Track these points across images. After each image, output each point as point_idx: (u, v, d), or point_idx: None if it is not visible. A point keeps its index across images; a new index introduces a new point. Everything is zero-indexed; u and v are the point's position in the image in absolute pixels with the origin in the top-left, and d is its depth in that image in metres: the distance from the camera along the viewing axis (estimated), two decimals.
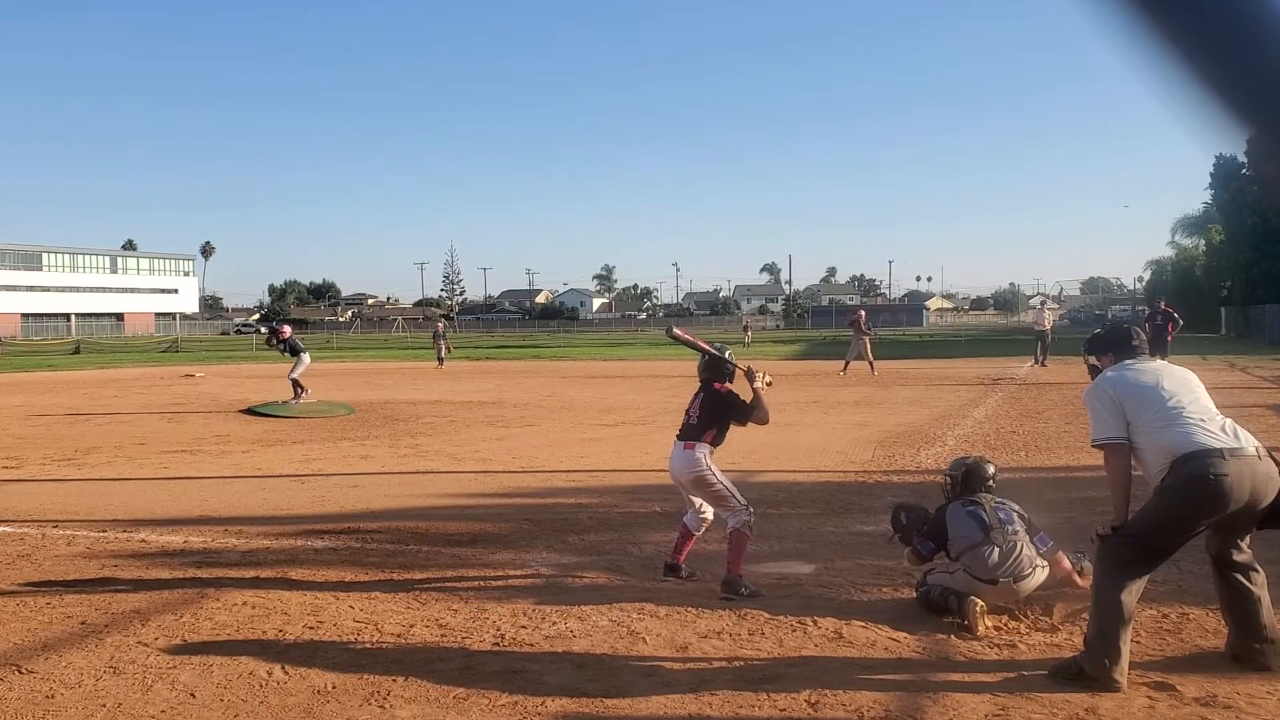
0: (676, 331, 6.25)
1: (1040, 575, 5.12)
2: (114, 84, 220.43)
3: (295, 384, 17.86)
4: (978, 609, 4.82)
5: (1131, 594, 4.12)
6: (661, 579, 5.88)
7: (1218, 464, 3.98)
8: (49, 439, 14.13)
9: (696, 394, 6.02)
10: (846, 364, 25.16)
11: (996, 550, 5.06)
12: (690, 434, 5.86)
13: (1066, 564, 5.27)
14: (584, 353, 44.74)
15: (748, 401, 5.86)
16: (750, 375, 5.88)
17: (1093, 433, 4.40)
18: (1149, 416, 4.23)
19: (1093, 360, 4.76)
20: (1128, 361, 4.52)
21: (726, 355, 6.04)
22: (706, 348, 6.05)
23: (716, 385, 5.95)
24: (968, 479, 5.51)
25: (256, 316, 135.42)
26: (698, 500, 5.91)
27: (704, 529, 5.99)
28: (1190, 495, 4.02)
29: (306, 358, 18.34)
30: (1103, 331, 4.89)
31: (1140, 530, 4.13)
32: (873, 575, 5.89)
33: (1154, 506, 4.14)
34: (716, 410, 5.88)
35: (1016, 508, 5.36)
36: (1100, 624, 4.10)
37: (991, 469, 5.58)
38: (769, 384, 5.99)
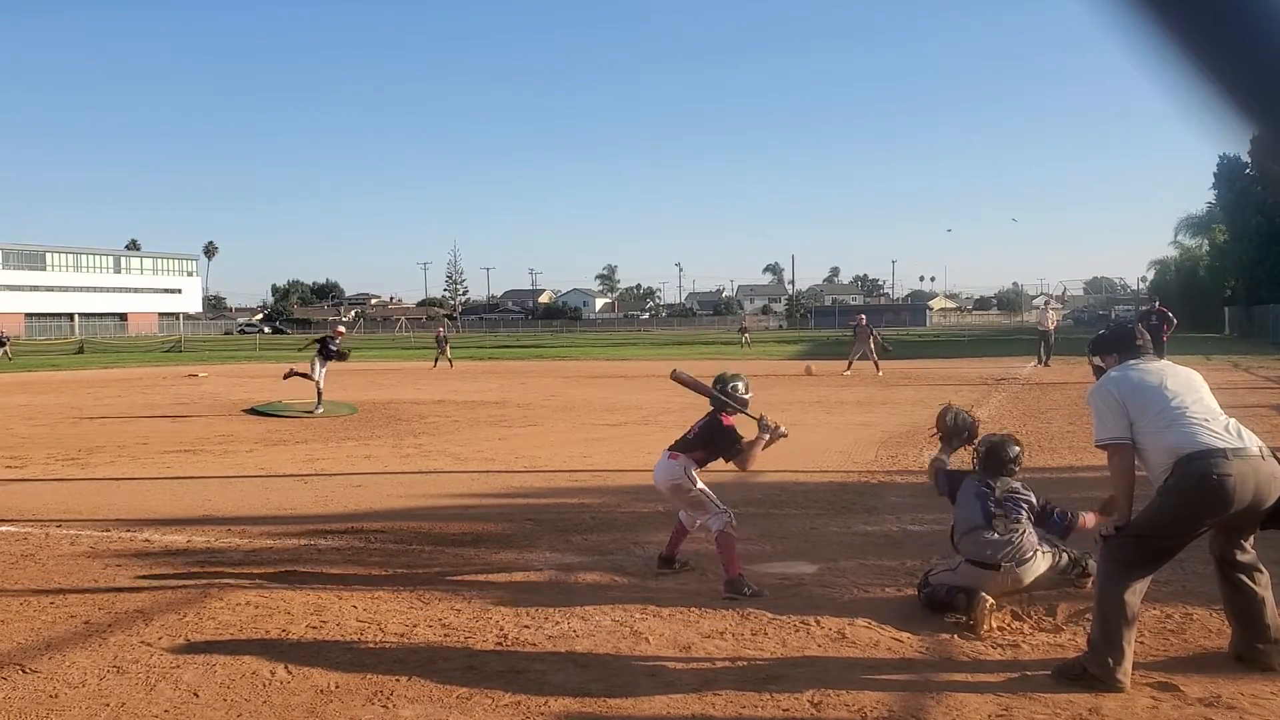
0: (679, 374, 6.21)
1: (1041, 562, 5.15)
2: (117, 83, 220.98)
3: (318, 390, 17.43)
4: (987, 606, 4.82)
5: (1135, 594, 4.11)
6: (665, 580, 5.87)
7: (1221, 464, 3.97)
8: (52, 439, 14.15)
9: (705, 415, 6.07)
10: (850, 363, 25.26)
11: (995, 535, 5.11)
12: (681, 446, 5.98)
13: (1089, 520, 5.23)
14: (587, 353, 44.74)
15: (743, 442, 5.86)
16: (762, 426, 5.83)
17: (1096, 433, 4.39)
18: (1152, 416, 4.22)
19: (1097, 361, 4.74)
20: (1132, 361, 4.51)
21: (743, 394, 5.99)
22: (710, 391, 6.04)
23: (723, 416, 5.97)
24: (988, 458, 5.50)
25: (260, 316, 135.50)
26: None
27: (697, 526, 5.96)
28: (1193, 495, 4.01)
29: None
30: (1106, 332, 4.88)
31: (1144, 530, 4.13)
32: (876, 575, 5.89)
33: (1157, 506, 4.14)
34: (712, 438, 5.93)
35: (1028, 498, 5.35)
36: (1104, 624, 4.10)
37: (1014, 450, 5.51)
38: (783, 436, 5.92)
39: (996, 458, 5.47)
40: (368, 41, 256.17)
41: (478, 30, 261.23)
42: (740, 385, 6.03)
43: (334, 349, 17.55)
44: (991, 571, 5.03)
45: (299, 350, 17.78)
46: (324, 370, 17.23)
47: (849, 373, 24.52)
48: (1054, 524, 5.31)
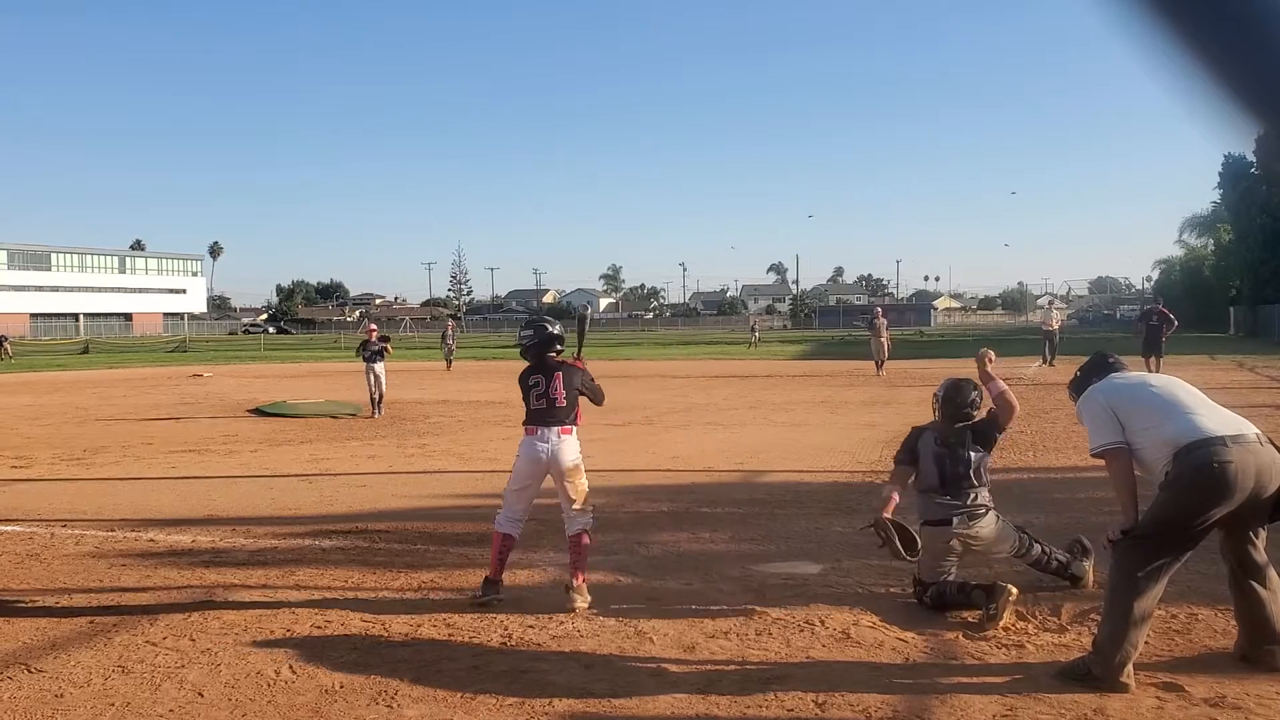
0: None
1: (991, 519, 5.35)
2: (122, 83, 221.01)
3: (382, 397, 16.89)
4: (1010, 596, 4.86)
5: (1146, 599, 4.08)
6: (669, 580, 5.86)
7: (1221, 451, 3.97)
8: (57, 439, 14.18)
9: (549, 373, 5.60)
10: (879, 364, 24.81)
11: (948, 498, 5.31)
12: (563, 417, 5.54)
13: (999, 386, 5.66)
14: (590, 353, 44.45)
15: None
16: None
17: (1091, 442, 4.40)
18: (1144, 414, 4.26)
19: None
20: (1112, 375, 4.60)
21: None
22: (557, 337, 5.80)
23: (568, 361, 5.74)
24: (946, 403, 5.63)
25: (264, 316, 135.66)
26: (532, 498, 5.74)
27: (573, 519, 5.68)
28: (1196, 484, 3.99)
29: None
30: (1079, 372, 4.89)
31: (1151, 529, 4.11)
32: (880, 575, 5.87)
33: (1161, 502, 4.12)
34: (575, 385, 5.63)
35: (974, 455, 5.51)
36: (1112, 628, 4.08)
37: (972, 394, 5.64)
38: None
39: (954, 401, 5.59)
40: (372, 41, 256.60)
41: (481, 30, 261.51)
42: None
43: (376, 348, 17.09)
44: (944, 528, 5.25)
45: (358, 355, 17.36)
46: (373, 375, 16.81)
47: (882, 373, 24.20)
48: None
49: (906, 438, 5.67)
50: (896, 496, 5.45)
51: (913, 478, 5.53)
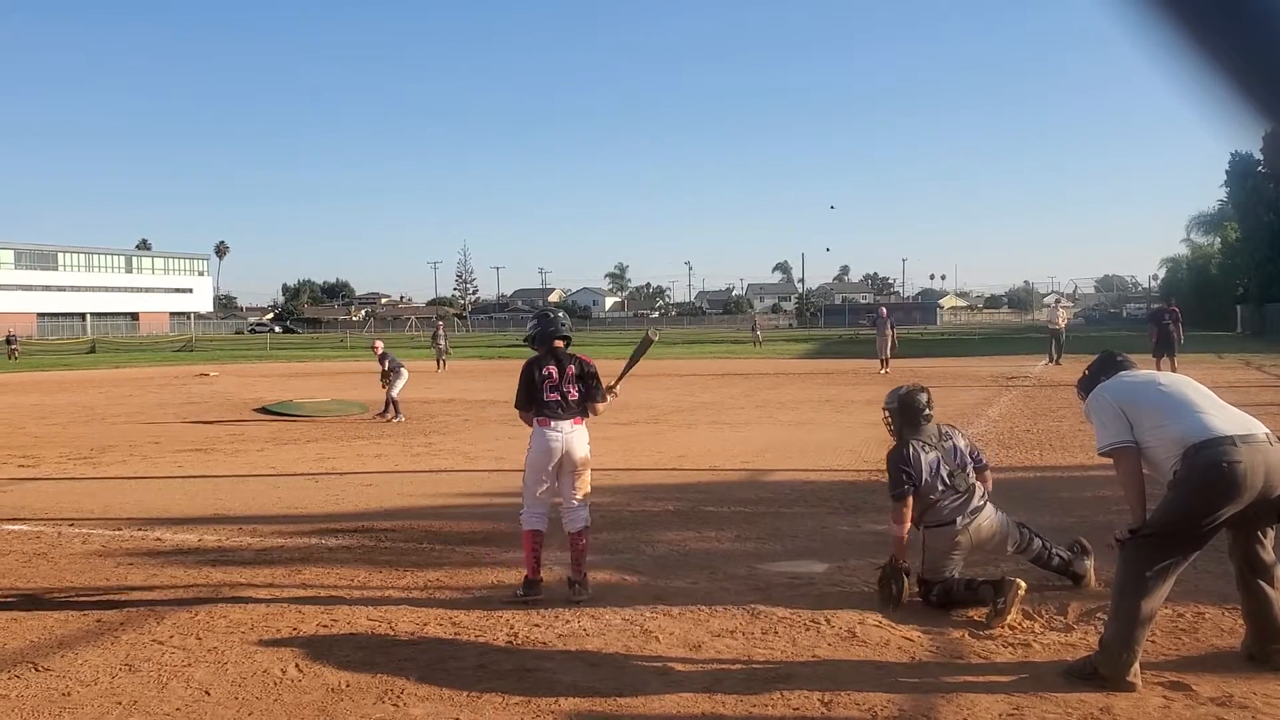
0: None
1: (990, 511, 5.36)
2: (128, 83, 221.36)
3: (394, 402, 16.45)
4: (1019, 592, 4.85)
5: (1153, 598, 4.07)
6: (674, 579, 5.86)
7: (1230, 451, 3.95)
8: (64, 438, 14.22)
9: (562, 365, 5.62)
10: (884, 360, 24.85)
11: (954, 494, 5.31)
12: (577, 411, 5.61)
13: (988, 481, 5.57)
14: (596, 351, 44.31)
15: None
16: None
17: (1098, 441, 4.38)
18: (1153, 411, 4.24)
19: None
20: (1120, 374, 4.59)
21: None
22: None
23: (580, 356, 5.74)
24: (903, 413, 5.53)
25: (270, 316, 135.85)
26: (557, 489, 5.69)
27: (573, 518, 5.73)
28: (1205, 484, 3.98)
29: (405, 373, 16.62)
30: (1087, 371, 4.87)
31: (1158, 528, 4.10)
32: None
33: (1170, 501, 4.11)
34: (590, 382, 5.66)
35: (962, 441, 5.56)
36: (1118, 626, 4.07)
37: (924, 397, 5.59)
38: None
39: (911, 409, 5.52)
40: (377, 41, 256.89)
41: (485, 29, 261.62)
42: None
43: (391, 366, 16.54)
44: (949, 528, 5.25)
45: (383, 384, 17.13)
46: (389, 382, 16.42)
47: (886, 371, 24.20)
48: (975, 460, 5.55)
49: (897, 466, 5.36)
50: (906, 534, 5.27)
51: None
